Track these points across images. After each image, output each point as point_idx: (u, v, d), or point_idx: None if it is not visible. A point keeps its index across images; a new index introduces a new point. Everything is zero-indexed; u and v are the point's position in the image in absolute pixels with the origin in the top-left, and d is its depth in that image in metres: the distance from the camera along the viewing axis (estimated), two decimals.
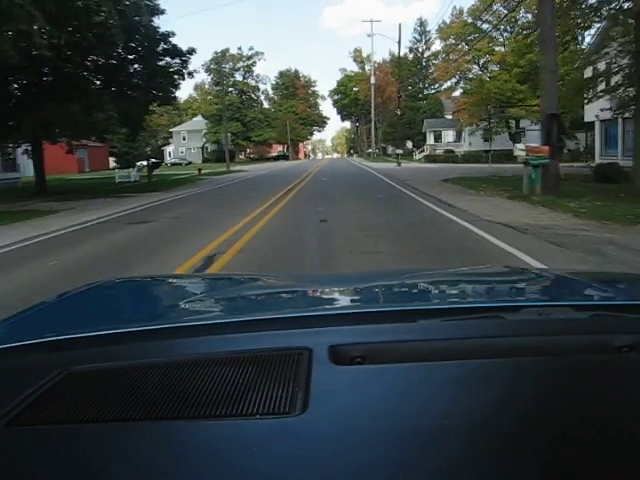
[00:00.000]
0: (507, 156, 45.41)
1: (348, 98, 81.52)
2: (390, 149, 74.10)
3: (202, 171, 36.52)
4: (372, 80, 59.17)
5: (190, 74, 20.57)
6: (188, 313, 1.26)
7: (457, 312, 0.97)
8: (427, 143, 55.33)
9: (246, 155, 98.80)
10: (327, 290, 1.56)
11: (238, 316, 1.14)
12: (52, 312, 1.35)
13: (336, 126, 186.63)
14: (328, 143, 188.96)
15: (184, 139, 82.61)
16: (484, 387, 0.69)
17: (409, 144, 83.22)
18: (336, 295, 1.50)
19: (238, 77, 78.84)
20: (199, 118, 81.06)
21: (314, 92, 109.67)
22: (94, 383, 0.75)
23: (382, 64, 73.62)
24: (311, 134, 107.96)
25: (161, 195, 17.77)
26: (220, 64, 77.18)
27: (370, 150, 66.06)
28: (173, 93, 20.19)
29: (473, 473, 0.51)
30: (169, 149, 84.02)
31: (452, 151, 51.62)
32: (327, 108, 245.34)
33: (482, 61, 46.00)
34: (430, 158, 45.94)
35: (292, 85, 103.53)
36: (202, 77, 79.39)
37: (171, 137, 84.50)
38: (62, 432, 0.63)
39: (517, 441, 0.56)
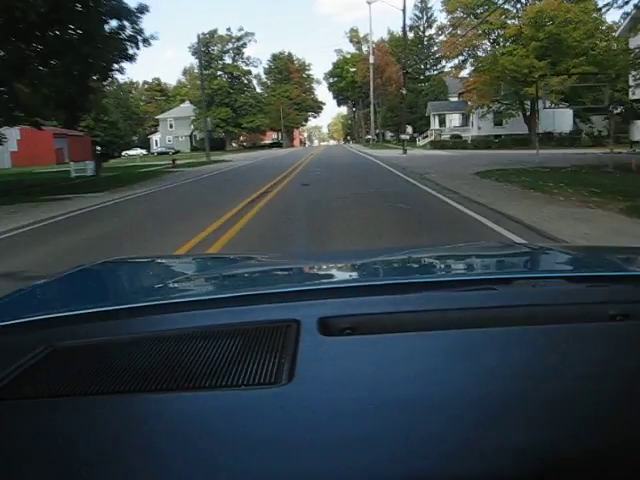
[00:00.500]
0: (522, 141, 41.28)
1: (344, 81, 76.81)
2: (388, 135, 70.18)
3: (177, 162, 32.00)
4: (371, 59, 54.61)
5: (146, 41, 16.17)
6: (176, 291, 1.27)
7: (448, 284, 0.97)
8: (431, 128, 50.71)
9: (239, 143, 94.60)
10: (318, 266, 1.56)
11: (227, 292, 1.13)
12: (39, 294, 1.37)
13: (332, 112, 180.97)
14: (324, 130, 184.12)
15: (171, 127, 77.96)
16: (474, 356, 0.69)
17: (409, 129, 78.99)
18: (326, 271, 1.50)
19: (227, 60, 74.01)
20: (187, 104, 76.38)
21: (309, 76, 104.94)
22: (79, 358, 0.74)
23: (381, 43, 68.75)
24: (306, 120, 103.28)
25: (101, 198, 13.50)
26: (208, 46, 72.43)
27: (369, 136, 61.43)
28: (119, 63, 15.70)
29: (461, 443, 0.50)
30: (155, 137, 79.38)
31: (459, 136, 47.23)
32: (323, 93, 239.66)
33: (494, 36, 41.36)
34: (437, 144, 41.48)
35: (286, 69, 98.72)
36: (191, 61, 74.45)
37: (159, 125, 79.75)
38: (45, 406, 0.63)
39: (510, 409, 0.56)
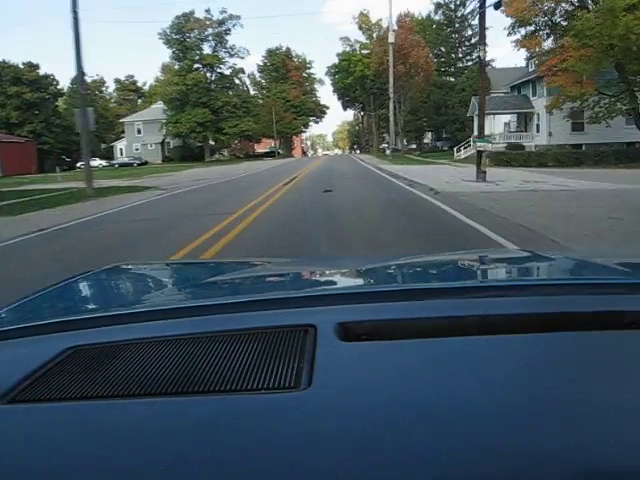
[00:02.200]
0: (628, 154, 26.76)
1: (352, 77, 62.46)
2: (397, 143, 56.06)
3: (96, 183, 16.34)
4: (390, 38, 39.89)
5: None
6: (195, 294, 1.30)
7: (462, 291, 0.97)
8: (474, 135, 35.87)
9: (230, 152, 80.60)
10: (332, 271, 1.58)
11: (244, 296, 1.15)
12: (58, 296, 1.38)
13: (337, 120, 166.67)
14: (329, 138, 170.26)
15: (139, 132, 63.77)
16: (488, 363, 0.69)
17: (429, 136, 65.01)
18: (341, 276, 1.52)
19: (207, 49, 59.59)
20: (159, 105, 62.06)
21: (310, 75, 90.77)
22: (100, 360, 0.75)
23: (404, 18, 53.80)
24: (306, 126, 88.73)
25: None
26: (183, 33, 58.19)
27: (385, 144, 46.67)
28: None
29: (479, 449, 0.51)
30: (120, 145, 65.09)
31: (520, 146, 32.78)
32: (326, 95, 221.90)
33: None
34: (497, 159, 26.52)
35: (283, 66, 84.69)
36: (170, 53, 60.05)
37: (124, 130, 65.42)
38: (67, 408, 0.64)
39: (526, 417, 0.56)
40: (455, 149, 38.30)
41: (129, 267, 1.85)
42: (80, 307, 1.30)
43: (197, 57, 58.21)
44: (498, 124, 36.66)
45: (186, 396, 0.64)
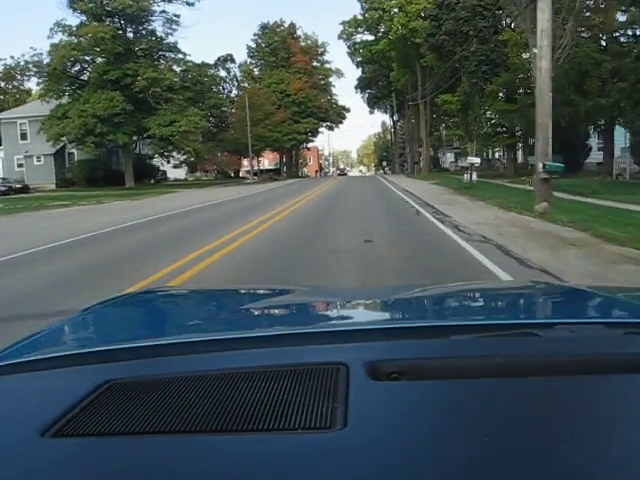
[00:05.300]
0: None
1: (385, 40, 35.88)
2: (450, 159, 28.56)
3: None
4: None
5: None
6: (226, 325, 1.31)
7: (490, 328, 0.98)
8: None
9: (213, 169, 55.36)
10: (355, 303, 1.60)
11: (277, 329, 1.21)
12: (86, 324, 1.40)
13: (362, 135, 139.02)
14: (354, 155, 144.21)
15: (24, 136, 38.14)
16: (520, 405, 0.70)
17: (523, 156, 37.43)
18: (365, 309, 1.54)
19: None
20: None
21: (323, 64, 64.93)
22: (137, 395, 0.76)
23: None
24: (314, 134, 62.24)
25: None
26: None
27: (472, 159, 19.50)
28: None
29: None
30: None
31: None
32: (345, 91, 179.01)
33: None
34: None
35: (284, 48, 59.00)
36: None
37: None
38: (106, 443, 0.65)
39: (552, 460, 0.57)
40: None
41: (163, 292, 1.96)
42: (113, 336, 1.27)
43: None
44: None
45: (223, 434, 0.64)
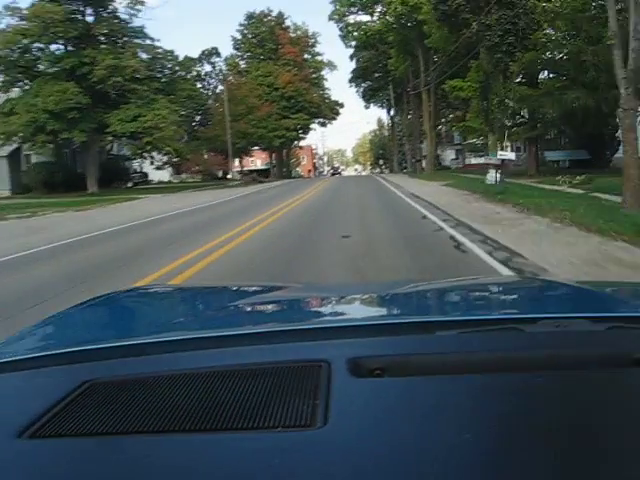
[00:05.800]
0: None
1: (384, 19, 31.46)
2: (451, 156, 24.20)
3: None
4: None
5: None
6: (209, 323, 1.30)
7: (474, 324, 0.97)
8: None
9: (191, 171, 50.77)
10: (341, 300, 1.57)
11: (258, 327, 1.17)
12: (68, 323, 1.38)
13: (357, 133, 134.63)
14: (349, 154, 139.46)
15: None
16: (504, 401, 0.69)
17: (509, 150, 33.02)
18: (351, 306, 1.51)
19: None
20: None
21: (314, 56, 60.48)
22: (116, 395, 0.76)
23: None
24: (304, 130, 57.75)
25: None
26: None
27: (505, 153, 14.95)
28: None
29: None
30: None
31: None
32: (338, 84, 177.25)
33: None
34: None
35: (272, 39, 54.58)
36: None
37: None
38: (85, 444, 0.65)
39: (536, 455, 0.56)
40: None
41: (145, 290, 1.99)
42: (95, 334, 1.25)
43: None
44: None
45: (201, 434, 0.63)
